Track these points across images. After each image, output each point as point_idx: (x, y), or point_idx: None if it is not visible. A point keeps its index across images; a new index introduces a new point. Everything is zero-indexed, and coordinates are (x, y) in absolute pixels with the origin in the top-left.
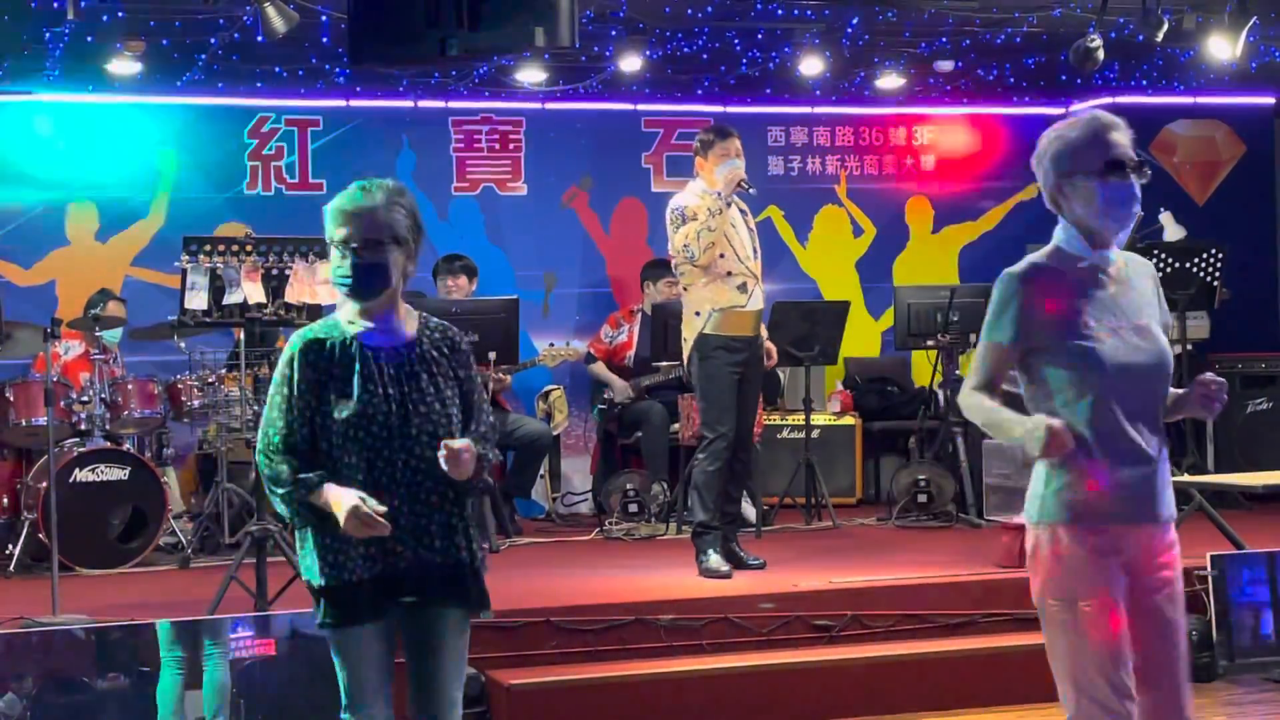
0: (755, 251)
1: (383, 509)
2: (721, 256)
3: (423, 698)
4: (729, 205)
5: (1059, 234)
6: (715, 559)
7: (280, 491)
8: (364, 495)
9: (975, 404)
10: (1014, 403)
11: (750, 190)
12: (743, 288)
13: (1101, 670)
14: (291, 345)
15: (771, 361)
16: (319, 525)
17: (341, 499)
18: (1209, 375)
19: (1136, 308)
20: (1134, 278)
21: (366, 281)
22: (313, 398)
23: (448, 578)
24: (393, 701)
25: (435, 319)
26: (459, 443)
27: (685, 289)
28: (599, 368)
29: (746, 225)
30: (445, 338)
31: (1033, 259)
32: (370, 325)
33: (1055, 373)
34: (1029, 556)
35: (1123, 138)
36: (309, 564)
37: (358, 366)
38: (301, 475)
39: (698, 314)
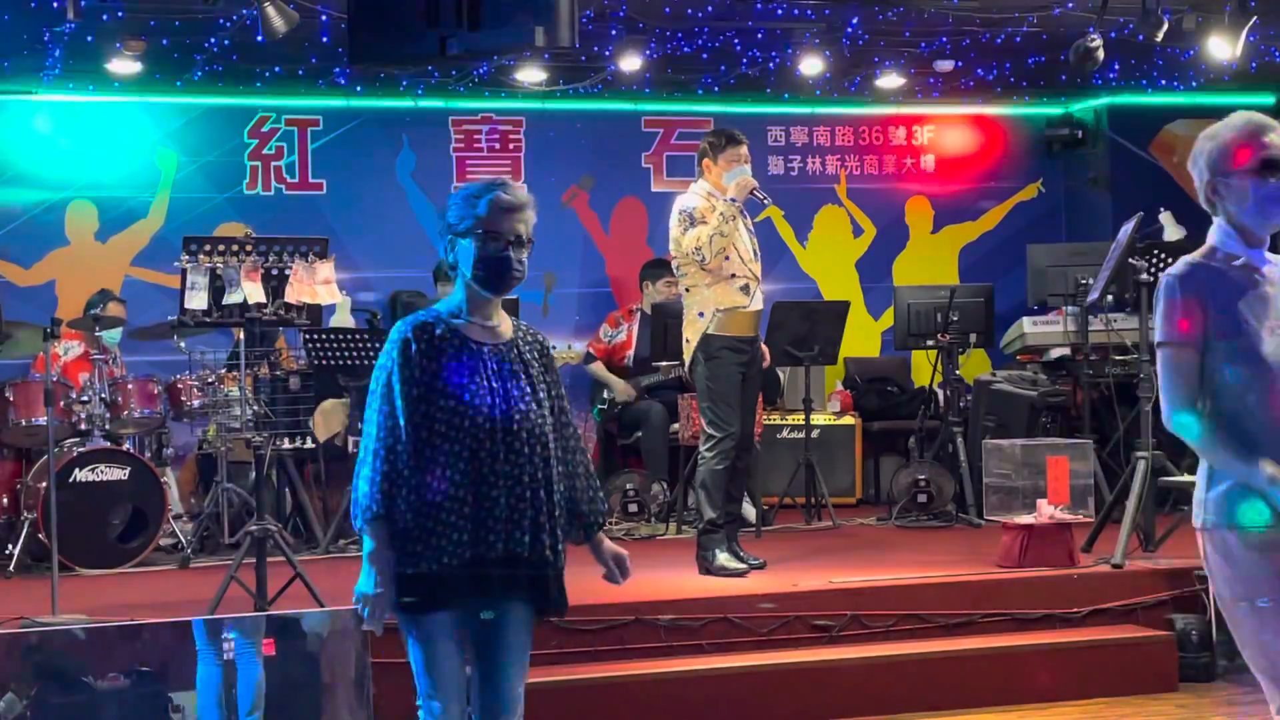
0: (756, 253)
1: (386, 620)
2: (726, 259)
3: (487, 692)
4: (742, 212)
5: (1214, 233)
6: (724, 556)
7: (359, 506)
8: (384, 594)
9: (1203, 435)
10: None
11: (765, 201)
12: (745, 289)
13: None
14: (399, 331)
15: (765, 363)
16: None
17: (367, 582)
18: None
19: None
20: None
21: (509, 276)
22: (421, 385)
23: (531, 576)
24: (465, 695)
25: (525, 323)
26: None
27: (687, 290)
28: (598, 368)
29: (747, 228)
30: (537, 341)
31: (1189, 258)
32: (474, 320)
33: (1222, 371)
34: (1204, 559)
35: (1278, 138)
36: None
37: (465, 357)
38: (374, 516)
39: (701, 315)
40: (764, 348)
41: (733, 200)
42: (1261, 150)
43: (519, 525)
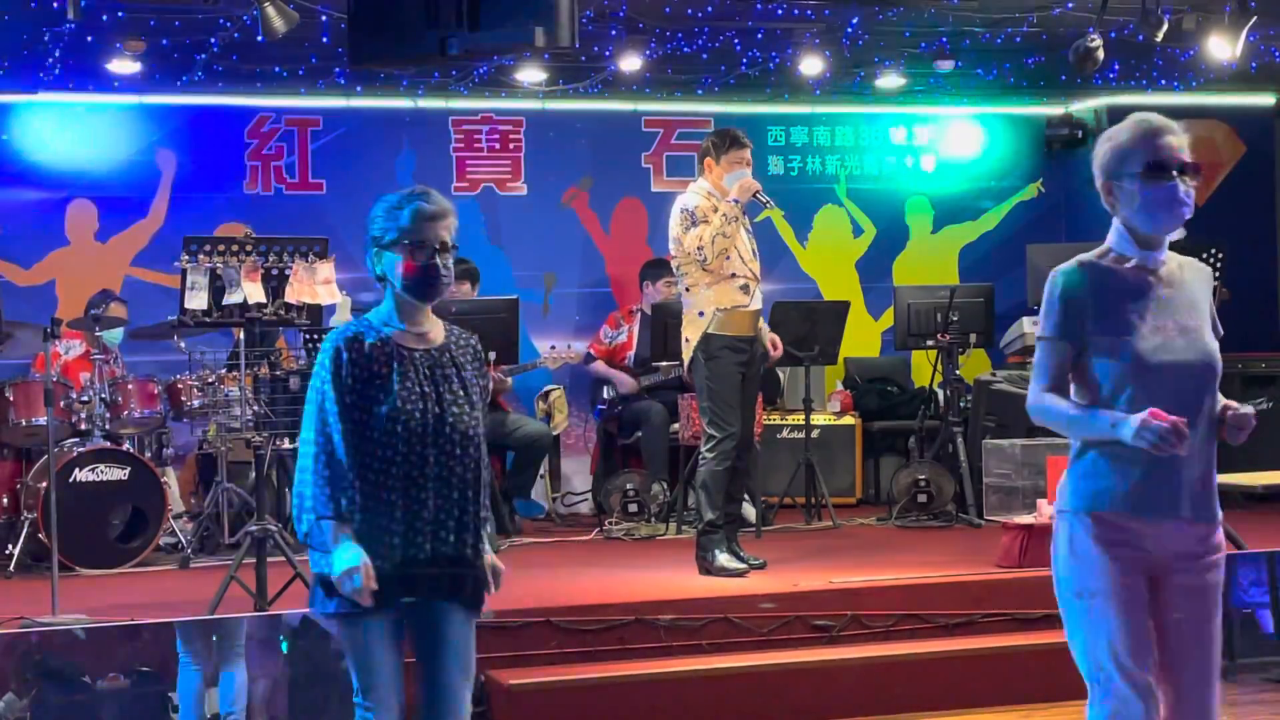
0: (755, 253)
1: (375, 587)
2: (727, 258)
3: (430, 692)
4: (745, 213)
5: (1110, 234)
6: (724, 557)
7: (304, 509)
8: (368, 562)
9: (1046, 406)
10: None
11: (769, 204)
12: (745, 288)
13: (1114, 658)
14: (331, 342)
15: (777, 352)
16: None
17: (348, 557)
18: (1237, 408)
19: (1185, 309)
20: (1188, 281)
21: (434, 284)
22: (354, 394)
23: (458, 575)
24: (405, 694)
25: (458, 327)
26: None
27: (687, 289)
28: (600, 365)
29: (746, 228)
30: (469, 345)
31: (1081, 257)
32: (405, 327)
33: (1100, 367)
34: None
35: (1173, 140)
36: (323, 554)
37: (395, 364)
38: (325, 516)
39: (701, 314)
40: (774, 337)
41: (735, 201)
42: (1153, 153)
43: (444, 526)
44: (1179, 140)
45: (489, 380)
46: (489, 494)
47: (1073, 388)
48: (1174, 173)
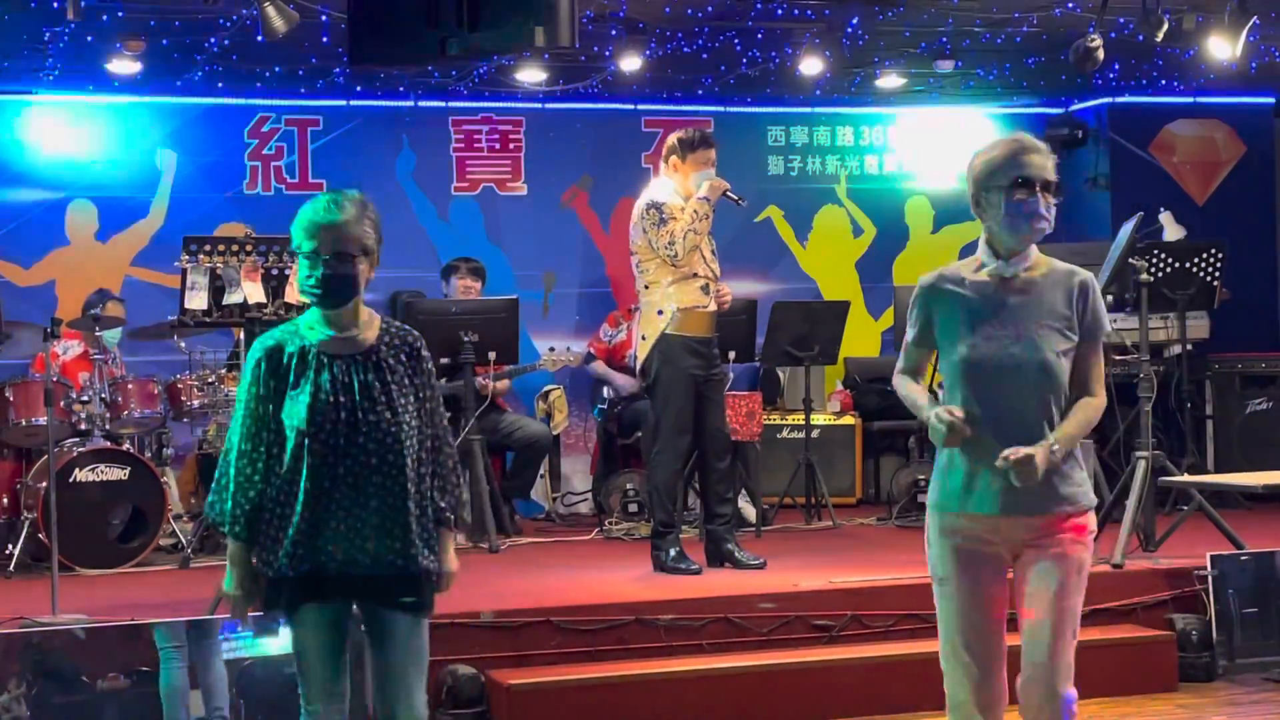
0: (715, 253)
1: (257, 613)
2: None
3: (381, 694)
4: (714, 211)
5: (980, 242)
6: (676, 553)
7: (216, 520)
8: (251, 589)
9: (898, 385)
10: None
11: (741, 203)
12: (705, 289)
13: (955, 648)
14: (252, 353)
15: (726, 299)
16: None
17: (237, 576)
18: (1020, 451)
19: (1033, 317)
20: (1046, 289)
21: (336, 292)
22: (271, 404)
23: (385, 583)
24: (346, 698)
25: (398, 324)
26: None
27: (647, 286)
28: (599, 365)
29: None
30: (405, 344)
31: (942, 268)
32: (331, 332)
33: (943, 367)
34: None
35: (1040, 159)
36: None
37: (310, 374)
38: (235, 531)
39: (660, 312)
40: (724, 288)
41: (704, 199)
42: (1019, 169)
43: (360, 534)
44: (1044, 160)
45: (432, 377)
46: (455, 472)
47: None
48: (1036, 189)
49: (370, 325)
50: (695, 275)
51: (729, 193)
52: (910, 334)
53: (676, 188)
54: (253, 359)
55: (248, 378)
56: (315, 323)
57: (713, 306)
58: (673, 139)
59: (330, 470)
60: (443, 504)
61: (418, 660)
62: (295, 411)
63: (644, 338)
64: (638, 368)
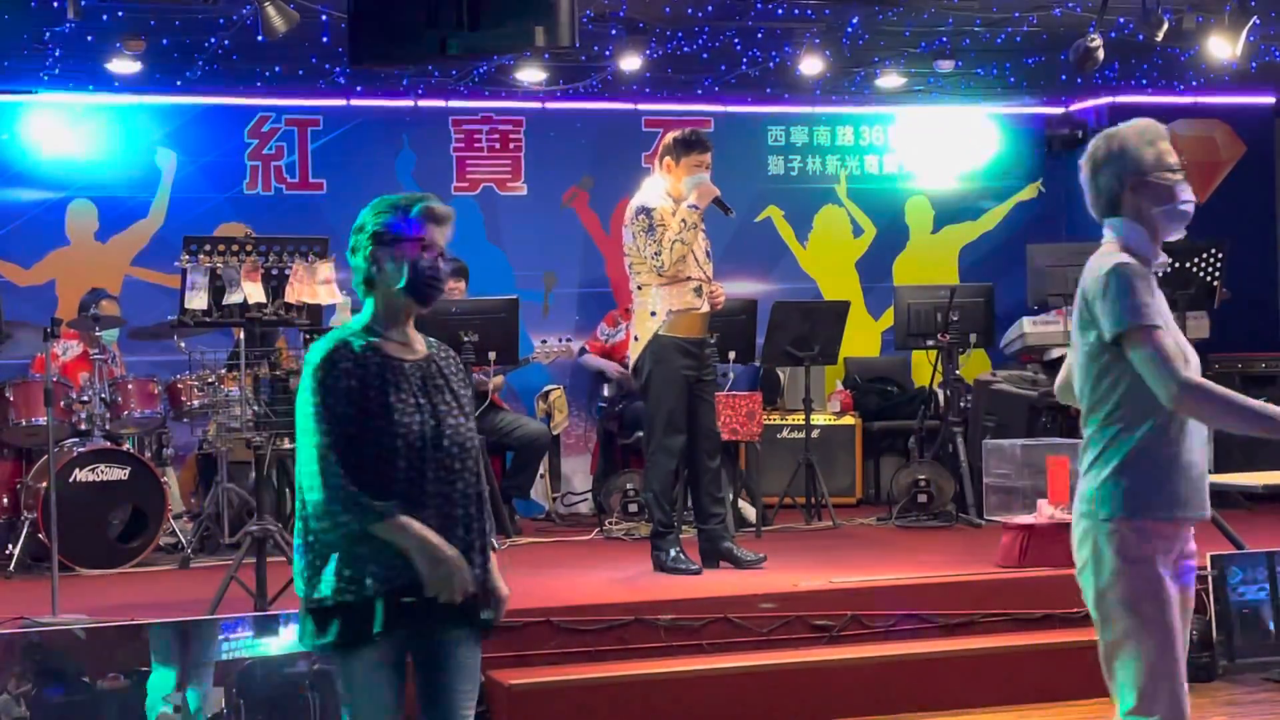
0: (709, 255)
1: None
2: (682, 260)
3: (434, 716)
4: (702, 219)
5: (1128, 235)
6: (676, 553)
7: (345, 518)
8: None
9: (1213, 388)
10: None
11: (729, 213)
12: (698, 291)
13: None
14: (318, 353)
15: (719, 299)
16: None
17: (430, 545)
18: None
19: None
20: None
21: (436, 287)
22: (350, 406)
23: (466, 601)
24: None
25: (433, 339)
26: None
27: (639, 288)
28: (591, 356)
29: (702, 229)
30: (451, 356)
31: (1123, 257)
32: (392, 337)
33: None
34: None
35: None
36: (320, 579)
37: (388, 374)
38: (375, 503)
39: (653, 314)
40: (717, 288)
41: (694, 207)
42: (1175, 156)
43: (451, 539)
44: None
45: (473, 397)
46: (494, 497)
47: (1124, 382)
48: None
49: (418, 335)
50: (688, 278)
51: (719, 200)
52: (1160, 322)
53: (668, 189)
54: (319, 359)
55: (320, 380)
56: (374, 328)
57: (705, 308)
58: (668, 139)
59: (420, 477)
60: (492, 529)
61: (472, 685)
62: (381, 413)
63: (636, 339)
64: (630, 368)
